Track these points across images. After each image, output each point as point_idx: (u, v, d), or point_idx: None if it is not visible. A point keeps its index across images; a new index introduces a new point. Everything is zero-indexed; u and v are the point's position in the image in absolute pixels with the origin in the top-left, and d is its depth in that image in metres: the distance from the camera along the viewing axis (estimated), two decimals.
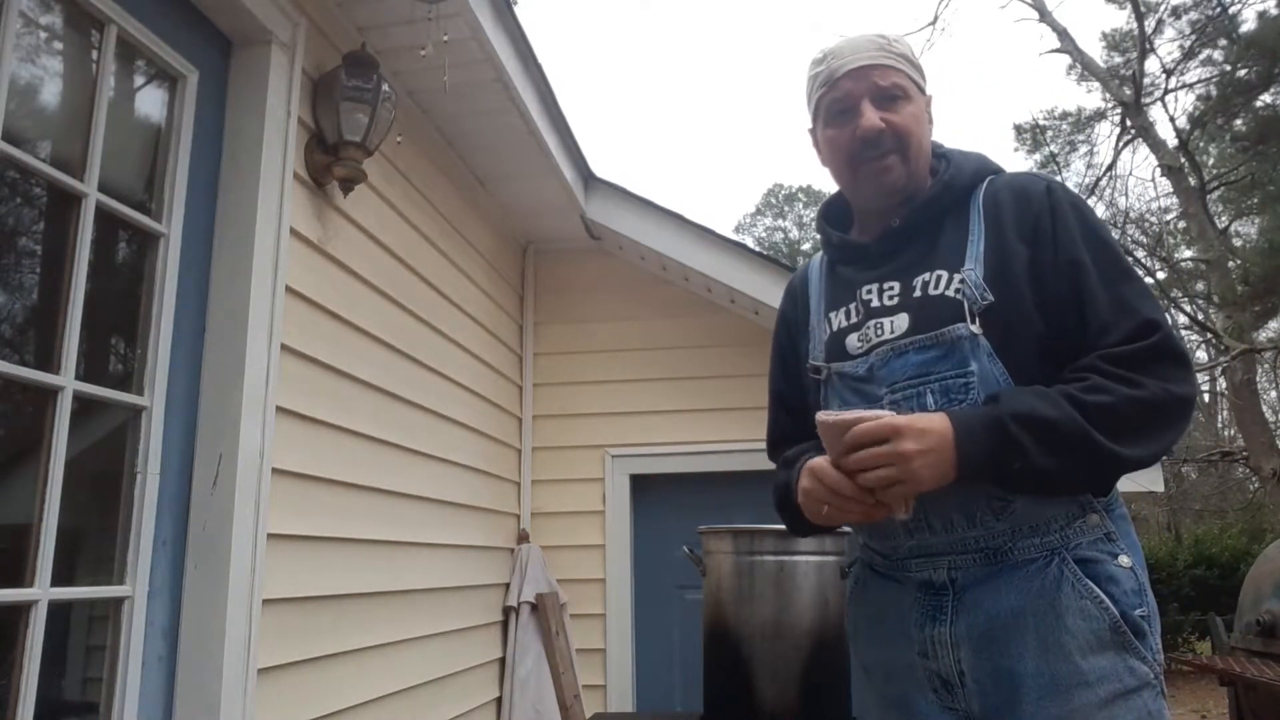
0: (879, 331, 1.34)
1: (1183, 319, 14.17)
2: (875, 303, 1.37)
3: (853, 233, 1.49)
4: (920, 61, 1.42)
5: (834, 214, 1.54)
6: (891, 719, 1.35)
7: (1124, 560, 1.21)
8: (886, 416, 1.16)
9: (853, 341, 1.38)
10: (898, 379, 1.29)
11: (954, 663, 1.24)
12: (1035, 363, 1.22)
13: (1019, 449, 1.13)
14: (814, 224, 1.82)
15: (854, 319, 1.39)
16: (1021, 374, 1.22)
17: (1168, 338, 1.20)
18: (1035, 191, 1.33)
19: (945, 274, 1.30)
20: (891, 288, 1.36)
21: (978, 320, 1.25)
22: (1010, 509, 1.22)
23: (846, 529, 2.05)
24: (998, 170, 1.42)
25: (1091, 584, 1.18)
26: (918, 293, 1.32)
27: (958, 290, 1.28)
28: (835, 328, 1.42)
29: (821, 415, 1.20)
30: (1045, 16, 15.49)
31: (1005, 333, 1.24)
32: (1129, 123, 14.73)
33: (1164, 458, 1.30)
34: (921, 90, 1.41)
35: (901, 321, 1.32)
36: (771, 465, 1.52)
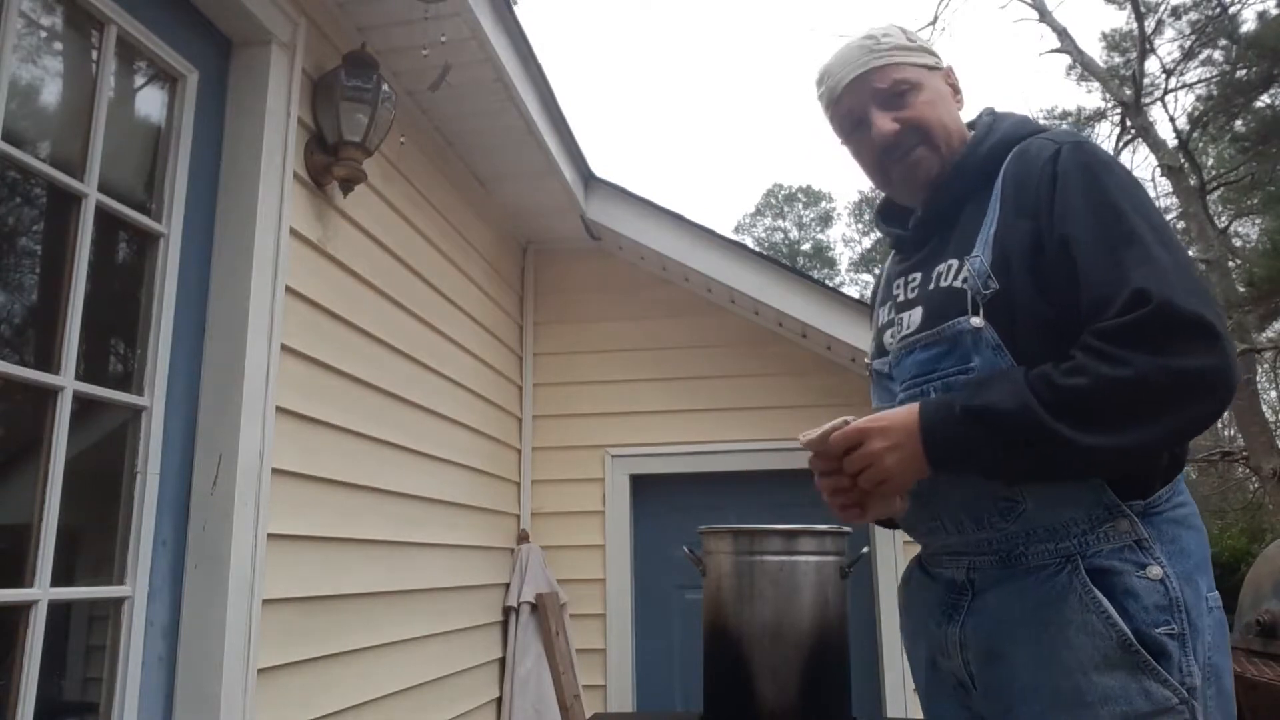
0: (900, 328, 1.31)
1: None
2: (902, 297, 1.33)
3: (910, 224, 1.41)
4: (920, 40, 1.34)
5: (892, 209, 1.46)
6: (923, 712, 1.36)
7: (1153, 572, 1.08)
8: (855, 422, 1.16)
9: (888, 338, 1.35)
10: (907, 377, 1.27)
11: (963, 664, 1.22)
12: (1046, 353, 1.10)
13: (973, 442, 1.09)
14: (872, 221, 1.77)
15: (890, 315, 1.36)
16: (1031, 365, 1.10)
17: (1162, 307, 1.02)
18: (1041, 158, 1.19)
19: (955, 262, 1.22)
20: (914, 280, 1.31)
21: (982, 311, 1.16)
22: (1019, 510, 1.15)
23: (848, 528, 2.05)
24: (1032, 133, 1.26)
25: (1102, 597, 1.08)
26: (932, 285, 1.26)
27: (964, 280, 1.20)
28: (880, 324, 1.40)
29: (800, 437, 1.21)
30: (1045, 16, 15.49)
31: (1012, 322, 1.14)
32: (1129, 123, 14.73)
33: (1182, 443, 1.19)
34: (932, 68, 1.33)
35: (916, 316, 1.28)
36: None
